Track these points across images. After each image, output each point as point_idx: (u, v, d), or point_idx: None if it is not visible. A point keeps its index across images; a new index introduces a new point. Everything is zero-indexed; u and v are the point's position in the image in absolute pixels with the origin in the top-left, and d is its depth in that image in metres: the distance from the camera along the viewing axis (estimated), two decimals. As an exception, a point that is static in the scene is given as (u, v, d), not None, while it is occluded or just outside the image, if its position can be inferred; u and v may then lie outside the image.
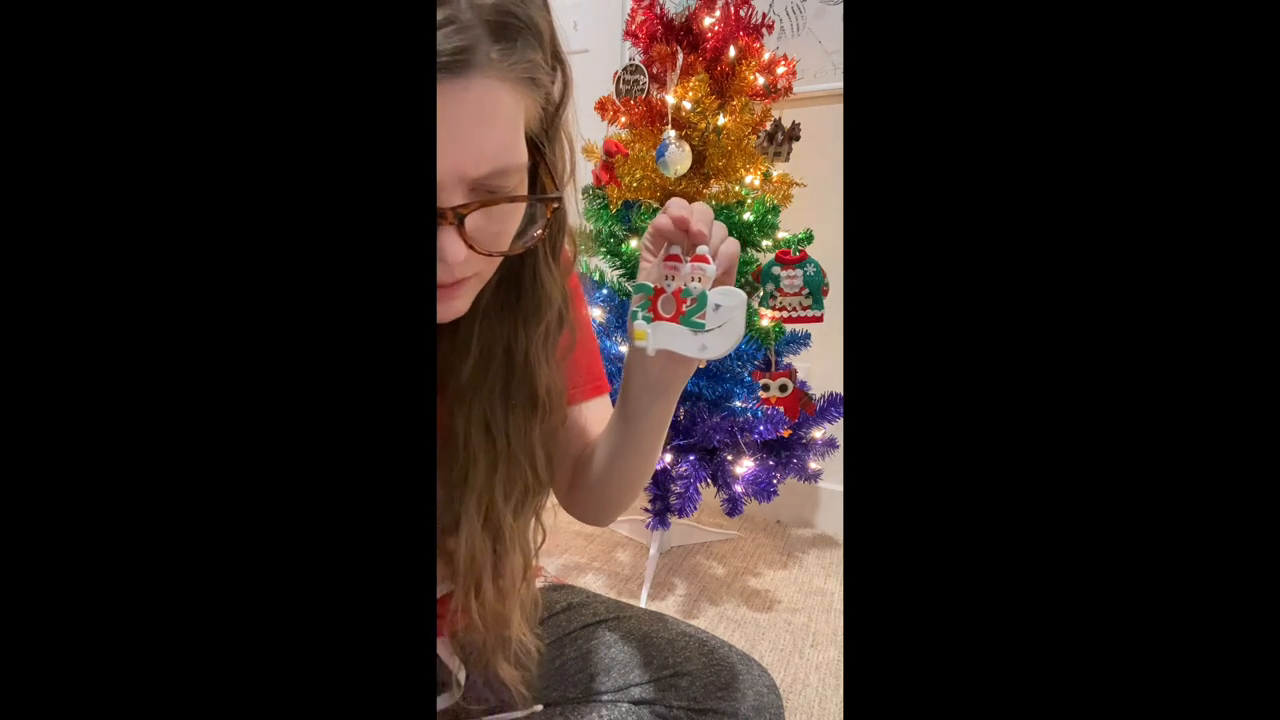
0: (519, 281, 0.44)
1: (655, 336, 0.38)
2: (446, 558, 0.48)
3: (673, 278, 0.38)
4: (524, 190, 0.37)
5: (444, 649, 0.54)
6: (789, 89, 1.19)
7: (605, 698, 0.55)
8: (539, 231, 0.40)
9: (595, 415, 0.55)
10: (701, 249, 0.38)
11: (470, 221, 0.34)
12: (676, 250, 0.39)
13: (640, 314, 0.39)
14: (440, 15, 0.28)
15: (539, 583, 0.64)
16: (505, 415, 0.46)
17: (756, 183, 1.14)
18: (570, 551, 1.41)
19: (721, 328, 0.37)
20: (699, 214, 0.39)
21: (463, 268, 0.35)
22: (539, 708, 0.57)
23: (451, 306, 0.38)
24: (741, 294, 0.37)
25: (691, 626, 0.59)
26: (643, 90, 1.12)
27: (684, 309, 0.38)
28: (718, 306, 0.37)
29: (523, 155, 0.35)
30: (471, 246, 0.34)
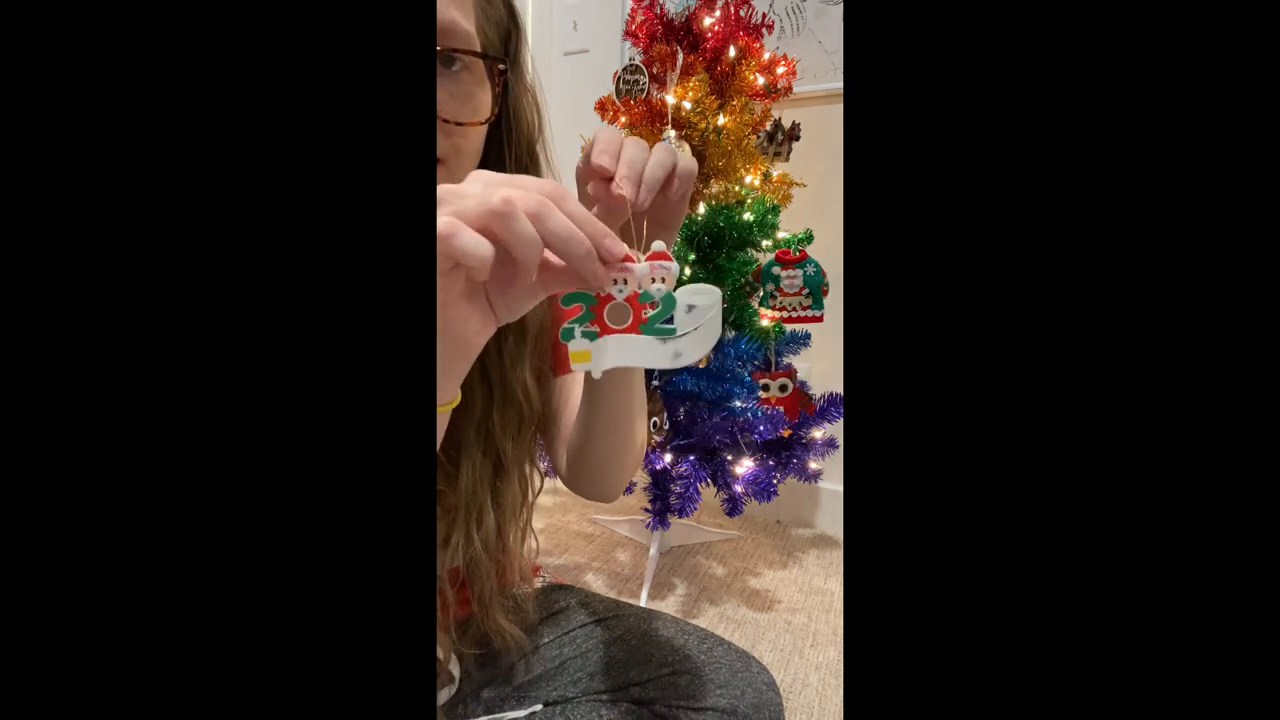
0: None
1: (605, 353, 0.32)
2: (447, 490, 0.49)
3: (623, 282, 0.32)
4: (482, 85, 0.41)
5: (440, 646, 0.54)
6: (789, 89, 1.19)
7: (605, 696, 0.55)
8: (494, 108, 0.43)
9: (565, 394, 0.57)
10: (658, 244, 0.32)
11: None
12: (623, 248, 0.33)
13: (579, 330, 0.32)
14: None
15: (539, 582, 0.64)
16: (498, 343, 0.49)
17: (756, 183, 1.14)
18: (570, 551, 1.41)
19: (698, 330, 0.32)
20: (629, 161, 0.34)
21: None
22: (539, 707, 0.57)
23: None
24: (717, 290, 0.32)
25: (691, 625, 0.59)
26: (643, 90, 1.12)
27: (645, 316, 0.32)
28: (691, 308, 0.32)
29: (468, 26, 0.39)
30: None
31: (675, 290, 0.32)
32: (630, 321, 0.32)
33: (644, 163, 0.35)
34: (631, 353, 0.32)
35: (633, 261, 0.32)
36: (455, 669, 0.55)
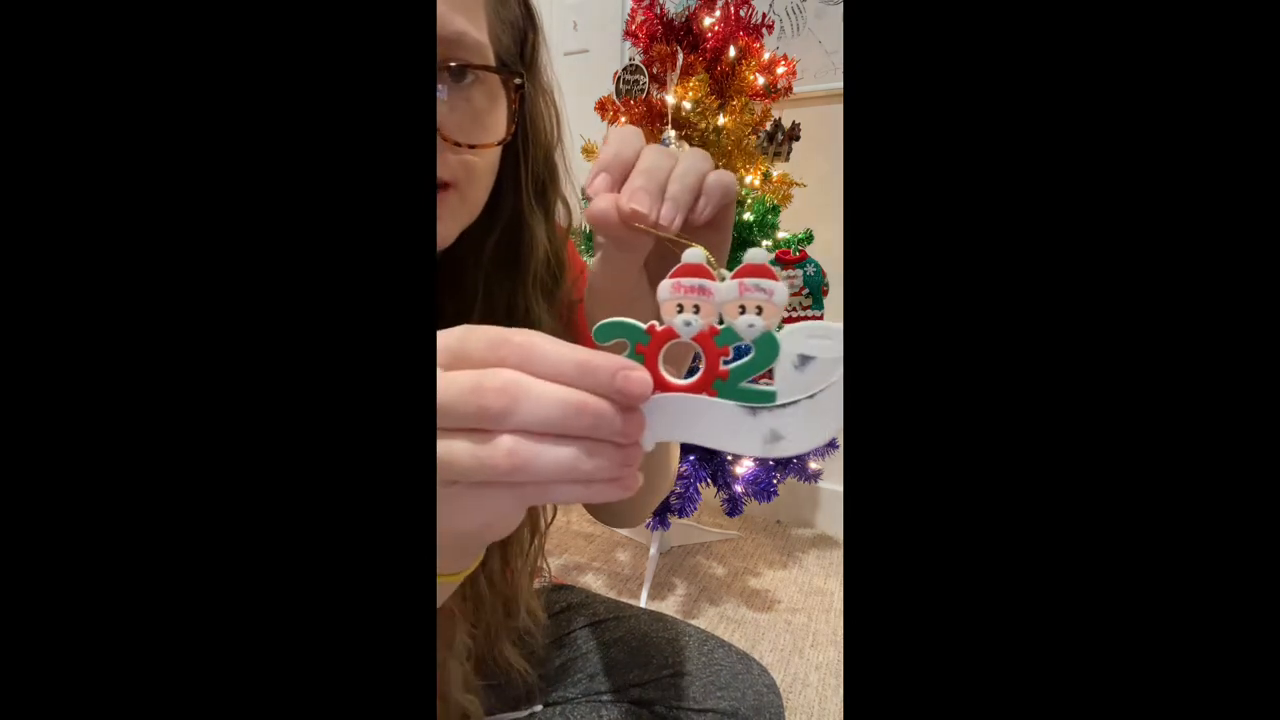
0: (514, 237, 0.44)
1: (658, 420, 0.21)
2: None
3: (694, 309, 0.21)
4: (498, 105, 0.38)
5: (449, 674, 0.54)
6: (789, 89, 1.19)
7: (605, 698, 0.56)
8: (510, 125, 0.38)
9: None
10: (755, 252, 0.21)
11: None
12: (698, 254, 0.21)
13: None
14: None
15: (538, 583, 0.64)
16: None
17: (756, 183, 1.14)
18: (570, 551, 1.41)
19: (816, 399, 0.21)
20: (647, 170, 0.26)
21: (438, 165, 0.35)
22: (539, 707, 0.57)
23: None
24: (840, 330, 0.21)
25: (691, 626, 0.59)
26: (643, 90, 1.12)
27: (723, 364, 0.21)
28: (805, 360, 0.21)
29: (479, 36, 0.36)
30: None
31: (784, 330, 0.21)
32: (702, 374, 0.21)
33: (668, 171, 0.27)
34: (702, 425, 0.21)
35: (710, 277, 0.21)
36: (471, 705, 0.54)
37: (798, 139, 1.26)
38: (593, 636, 0.59)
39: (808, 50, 1.41)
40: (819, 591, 1.27)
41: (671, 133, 1.06)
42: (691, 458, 1.12)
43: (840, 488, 1.50)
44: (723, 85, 1.11)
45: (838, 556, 1.42)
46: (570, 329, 0.48)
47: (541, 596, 0.62)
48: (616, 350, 0.22)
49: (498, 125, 0.38)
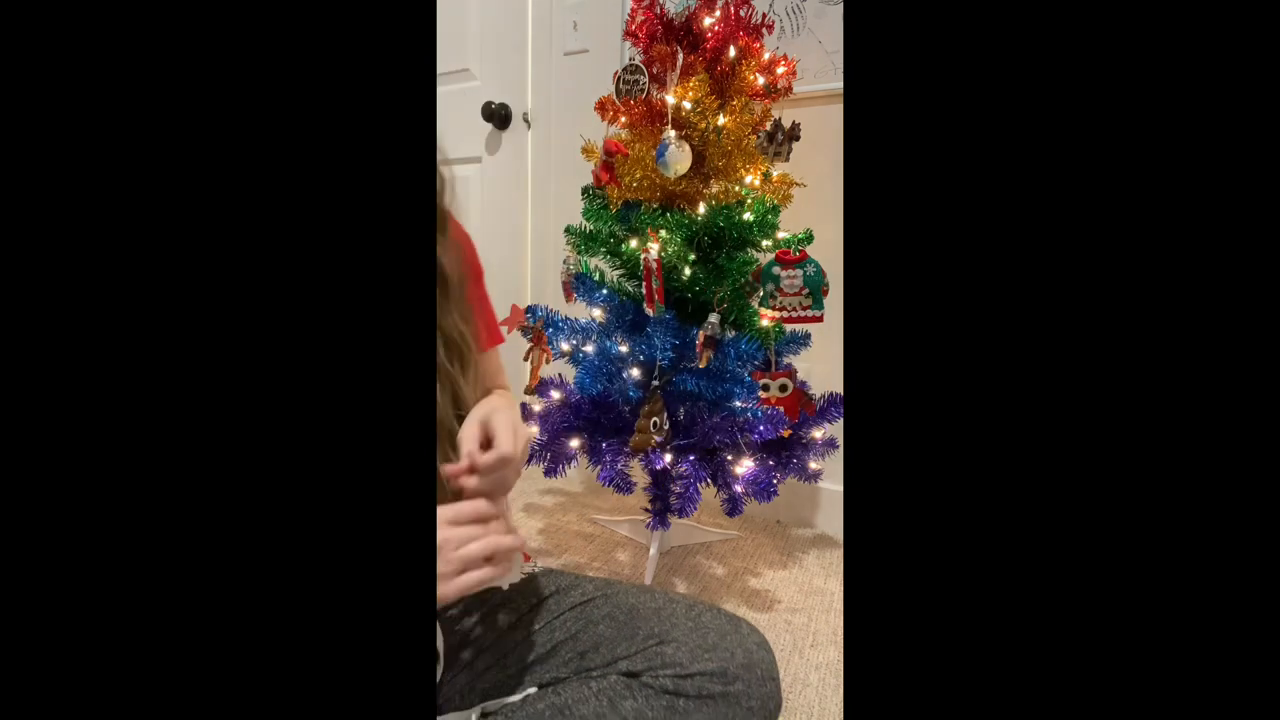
0: None
1: None
2: None
3: None
4: None
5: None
6: (789, 89, 1.19)
7: (595, 672, 0.56)
8: None
9: (492, 365, 0.70)
10: None
11: None
12: None
13: None
14: None
15: (529, 568, 0.65)
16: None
17: (756, 183, 1.14)
18: (570, 551, 1.41)
19: None
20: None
21: None
22: (533, 689, 0.58)
23: None
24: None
25: (680, 595, 0.60)
26: (643, 90, 1.12)
27: None
28: None
29: None
30: None
31: None
32: None
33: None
34: None
35: None
36: (439, 643, 0.56)
37: (798, 139, 1.26)
38: (581, 616, 0.60)
39: (808, 50, 1.41)
40: (819, 591, 1.27)
41: (671, 133, 1.06)
42: (691, 458, 1.12)
43: (840, 488, 1.50)
44: (723, 85, 1.11)
45: (838, 556, 1.42)
46: (466, 259, 0.65)
47: (531, 582, 0.63)
48: None
49: None
